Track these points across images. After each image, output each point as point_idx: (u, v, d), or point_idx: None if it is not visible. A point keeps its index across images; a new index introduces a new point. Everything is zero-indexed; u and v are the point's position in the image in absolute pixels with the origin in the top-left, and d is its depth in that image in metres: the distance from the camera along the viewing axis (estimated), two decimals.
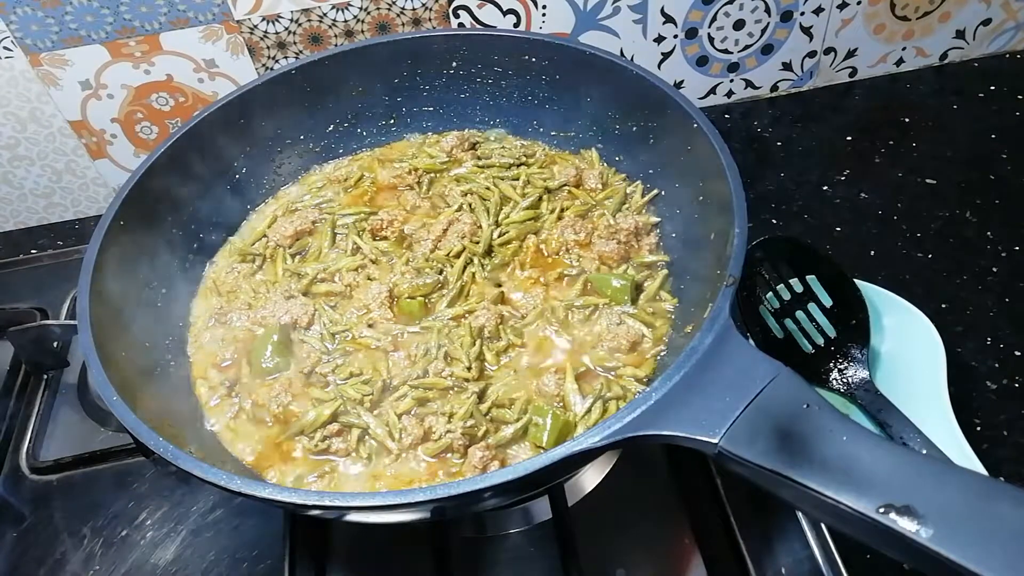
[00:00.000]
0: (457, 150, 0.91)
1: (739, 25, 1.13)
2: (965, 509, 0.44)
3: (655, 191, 0.84)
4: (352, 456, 0.68)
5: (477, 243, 0.81)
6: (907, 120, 1.17)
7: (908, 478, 0.46)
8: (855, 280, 0.84)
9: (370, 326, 0.76)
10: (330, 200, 0.89)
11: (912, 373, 0.81)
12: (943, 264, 0.97)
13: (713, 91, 1.22)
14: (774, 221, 1.05)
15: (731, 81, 1.21)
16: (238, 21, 0.99)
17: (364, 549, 0.77)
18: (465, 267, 0.79)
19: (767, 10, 1.12)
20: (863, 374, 0.80)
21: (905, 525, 0.44)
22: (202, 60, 1.02)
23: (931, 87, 1.23)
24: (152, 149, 0.81)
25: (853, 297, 0.83)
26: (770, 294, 0.86)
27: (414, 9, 1.03)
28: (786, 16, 1.13)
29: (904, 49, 1.22)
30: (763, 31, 1.14)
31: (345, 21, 1.02)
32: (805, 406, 0.51)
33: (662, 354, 0.72)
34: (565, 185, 0.87)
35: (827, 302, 0.84)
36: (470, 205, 0.85)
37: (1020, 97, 1.19)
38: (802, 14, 1.13)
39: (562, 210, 0.84)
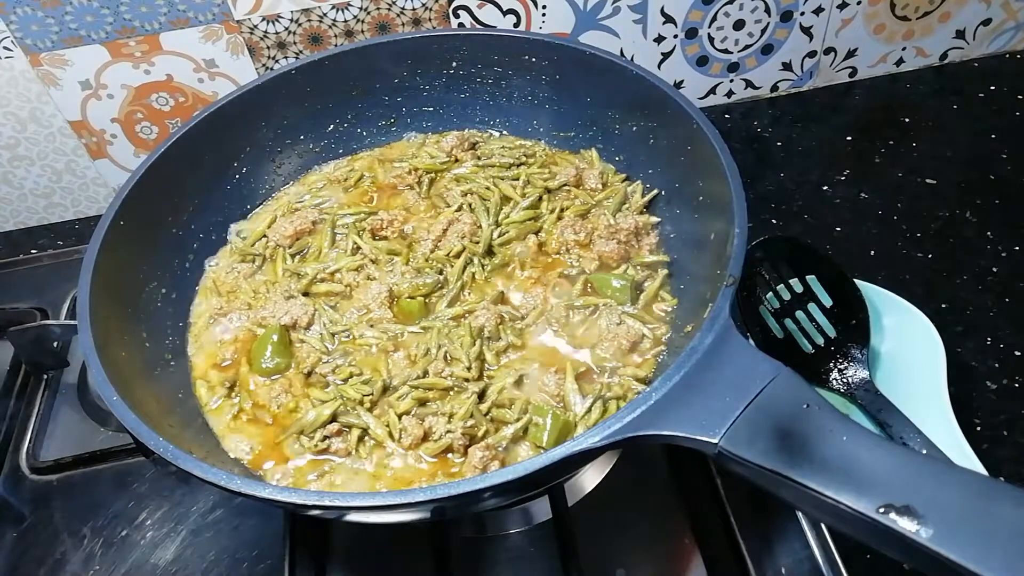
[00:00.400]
0: (457, 150, 0.91)
1: (739, 25, 1.13)
2: (965, 509, 0.44)
3: (655, 191, 0.84)
4: (352, 456, 0.68)
5: (477, 243, 0.81)
6: (907, 120, 1.17)
7: (908, 478, 0.46)
8: (855, 280, 0.85)
9: (370, 326, 0.76)
10: (330, 200, 0.89)
11: (912, 373, 0.81)
12: (943, 264, 0.97)
13: (713, 91, 1.22)
14: (774, 221, 1.05)
15: (731, 81, 1.21)
16: (238, 21, 0.99)
17: (364, 549, 0.77)
18: (465, 267, 0.79)
19: (767, 10, 1.12)
20: (863, 374, 0.80)
21: (905, 525, 0.44)
22: (202, 60, 1.02)
23: (931, 87, 1.23)
24: (152, 149, 0.81)
25: (853, 297, 0.83)
26: (770, 294, 0.86)
27: (414, 9, 1.03)
28: (786, 16, 1.13)
29: (904, 49, 1.22)
30: (763, 31, 1.14)
31: (345, 21, 1.02)
32: (805, 406, 0.51)
33: (662, 354, 0.72)
34: (565, 185, 0.87)
35: (827, 302, 0.84)
36: (470, 205, 0.85)
37: (1020, 97, 1.19)
38: (802, 14, 1.13)
39: (562, 210, 0.84)
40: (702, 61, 1.17)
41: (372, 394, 0.70)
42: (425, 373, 0.71)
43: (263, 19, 1.00)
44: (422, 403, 0.70)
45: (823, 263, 0.86)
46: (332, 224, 0.85)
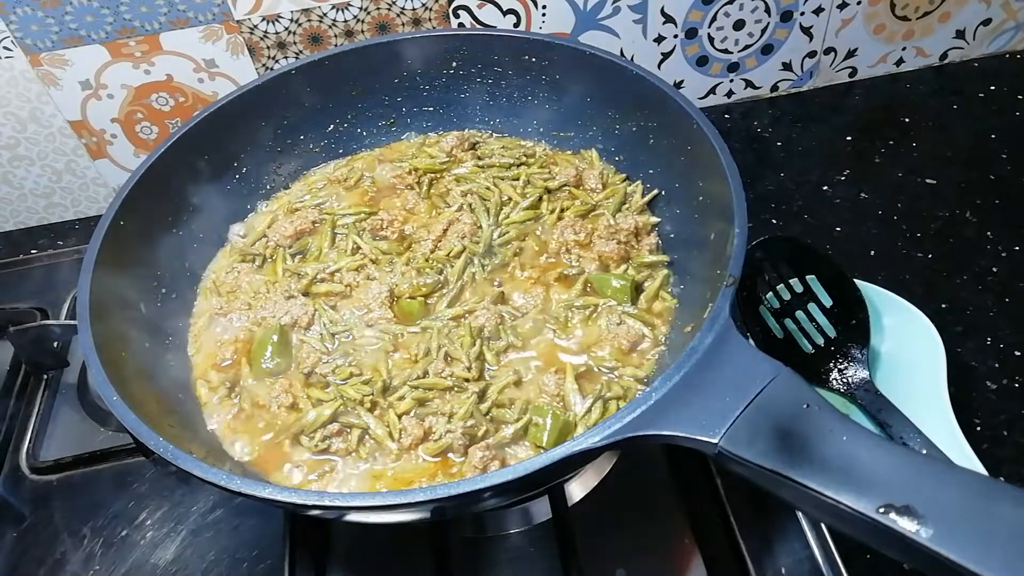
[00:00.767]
0: (457, 150, 0.91)
1: (739, 25, 1.13)
2: (965, 509, 0.44)
3: (655, 191, 0.84)
4: (352, 456, 0.68)
5: (477, 243, 0.81)
6: (907, 120, 1.17)
7: (908, 478, 0.46)
8: (855, 280, 0.84)
9: (370, 326, 0.76)
10: (330, 200, 0.89)
11: (912, 373, 0.81)
12: (943, 264, 0.97)
13: (713, 91, 1.22)
14: (774, 221, 1.05)
15: (731, 81, 1.21)
16: (238, 21, 0.99)
17: (364, 549, 0.77)
18: (465, 267, 0.79)
19: (767, 10, 1.12)
20: (863, 374, 0.80)
21: (905, 525, 0.44)
22: (202, 60, 1.02)
23: (931, 87, 1.23)
24: (152, 149, 0.81)
25: (853, 297, 0.83)
26: (770, 294, 0.86)
27: (414, 9, 1.03)
28: (786, 16, 1.13)
29: (904, 49, 1.22)
30: (763, 31, 1.14)
31: (345, 21, 1.02)
32: (805, 406, 0.51)
33: (662, 354, 0.72)
34: (565, 185, 0.87)
35: (827, 302, 0.84)
36: (470, 205, 0.85)
37: (1020, 97, 1.19)
38: (802, 14, 1.13)
39: (562, 210, 0.84)
40: (702, 61, 1.17)
41: (372, 394, 0.70)
42: (425, 373, 0.71)
43: (263, 19, 1.00)
44: (422, 403, 0.70)
45: (823, 263, 0.86)
46: (332, 224, 0.85)
